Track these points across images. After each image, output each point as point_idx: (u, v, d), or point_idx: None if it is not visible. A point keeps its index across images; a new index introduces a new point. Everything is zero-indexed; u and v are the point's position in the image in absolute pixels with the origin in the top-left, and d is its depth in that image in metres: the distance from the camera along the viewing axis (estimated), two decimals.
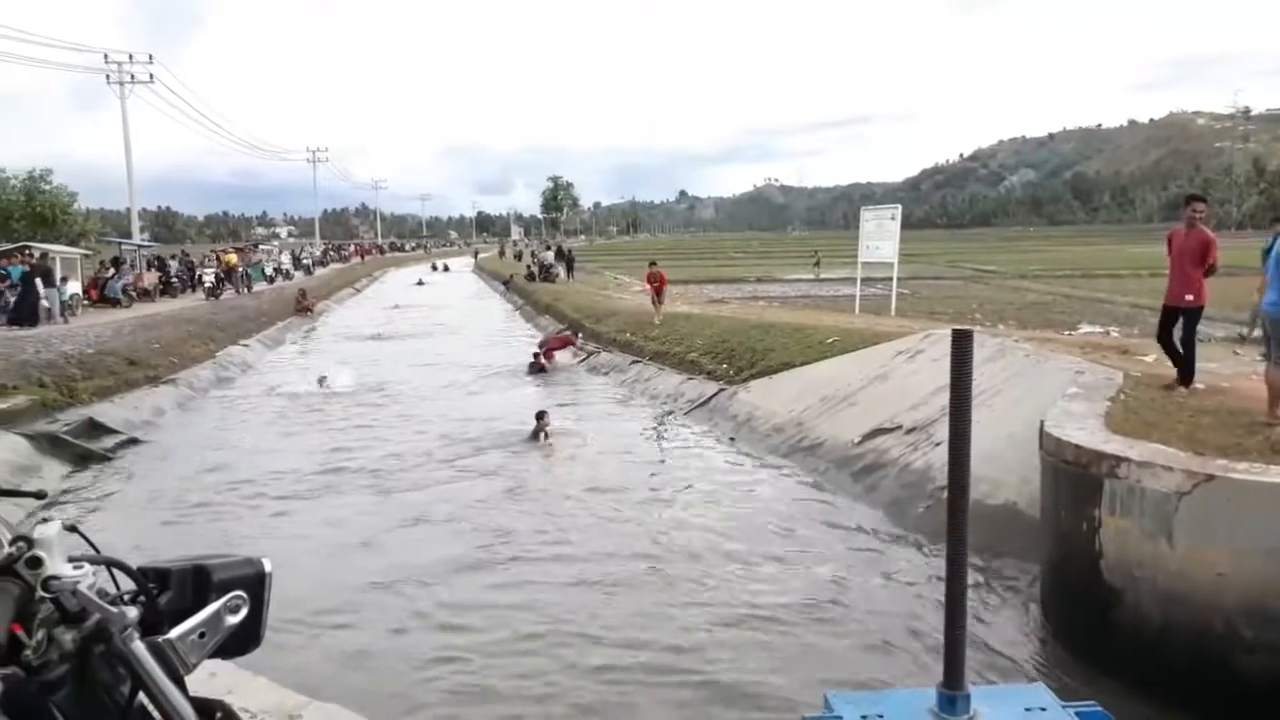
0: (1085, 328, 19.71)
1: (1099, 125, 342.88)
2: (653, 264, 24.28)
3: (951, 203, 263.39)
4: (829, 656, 6.22)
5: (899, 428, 10.36)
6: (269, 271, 45.08)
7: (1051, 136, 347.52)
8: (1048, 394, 8.28)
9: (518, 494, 10.39)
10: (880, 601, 7.14)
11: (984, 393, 9.38)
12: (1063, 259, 59.59)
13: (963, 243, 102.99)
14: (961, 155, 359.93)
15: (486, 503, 10.04)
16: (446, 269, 75.35)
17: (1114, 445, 6.04)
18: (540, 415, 13.19)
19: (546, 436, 12.80)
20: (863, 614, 6.89)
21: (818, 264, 55.51)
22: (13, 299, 21.60)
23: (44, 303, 21.79)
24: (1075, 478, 6.08)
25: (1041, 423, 6.80)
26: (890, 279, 22.38)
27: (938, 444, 9.27)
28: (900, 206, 22.27)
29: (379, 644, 6.56)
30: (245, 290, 35.33)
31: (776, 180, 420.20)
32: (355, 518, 9.67)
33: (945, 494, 1.86)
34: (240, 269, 37.01)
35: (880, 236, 21.48)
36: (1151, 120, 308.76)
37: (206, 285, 32.03)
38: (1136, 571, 5.60)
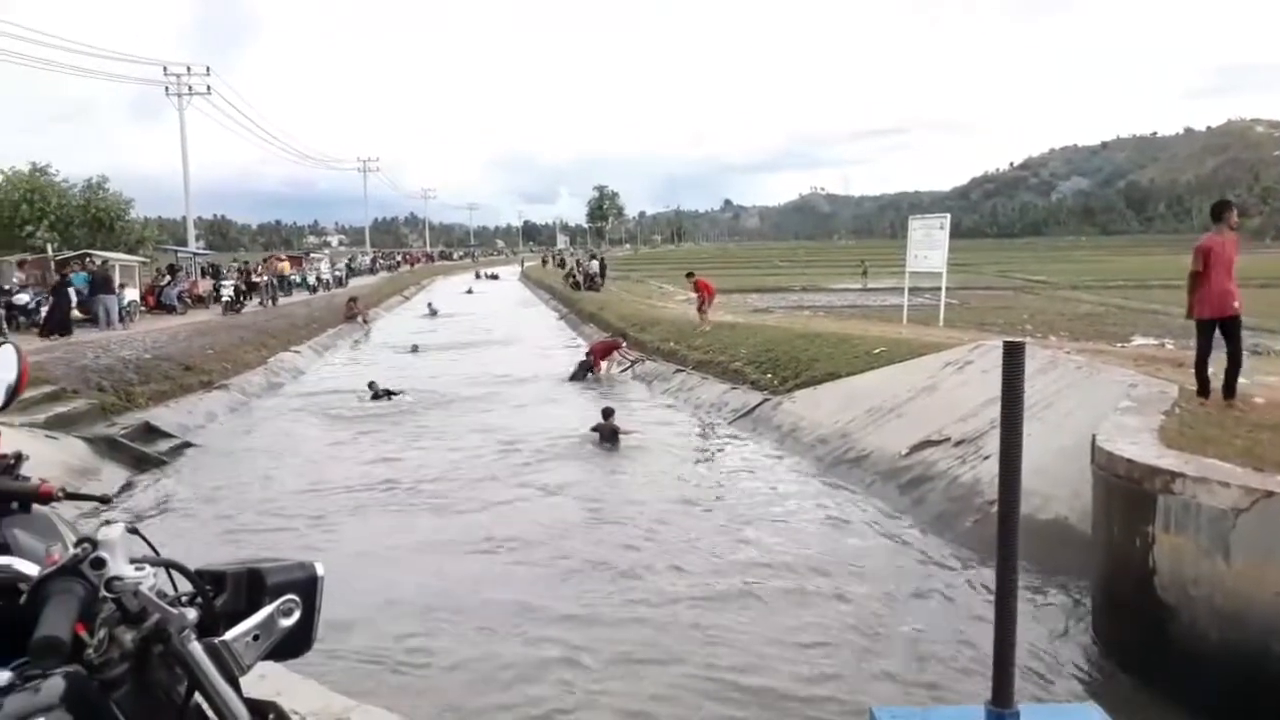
0: (1139, 340, 19.38)
1: (1154, 133, 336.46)
2: (690, 274, 24.48)
3: (1002, 212, 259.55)
4: (875, 670, 6.15)
5: (947, 440, 10.22)
6: (311, 281, 45.18)
7: (1105, 145, 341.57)
8: (1100, 407, 8.13)
9: (585, 507, 10.25)
10: (928, 615, 7.04)
11: (1034, 405, 9.24)
12: (1116, 269, 58.59)
13: (1013, 252, 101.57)
14: (1012, 164, 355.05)
15: (555, 516, 9.86)
16: (495, 277, 76.05)
17: (1169, 460, 5.91)
18: (608, 413, 13.41)
19: (615, 435, 12.98)
20: (910, 627, 6.80)
21: (865, 273, 55.23)
22: (44, 310, 21.13)
23: (75, 312, 21.61)
24: (1128, 493, 5.96)
25: (1093, 436, 6.68)
26: (939, 289, 22.13)
27: (986, 457, 9.14)
28: (949, 215, 22.02)
29: (443, 676, 6.28)
30: (270, 303, 32.66)
31: (822, 189, 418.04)
32: (414, 532, 9.50)
33: (994, 508, 1.84)
34: (266, 279, 35.04)
35: (928, 246, 21.25)
36: (1208, 128, 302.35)
37: (224, 300, 29.07)
38: (1192, 590, 5.47)
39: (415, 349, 26.56)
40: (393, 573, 8.20)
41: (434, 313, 39.67)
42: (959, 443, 10.00)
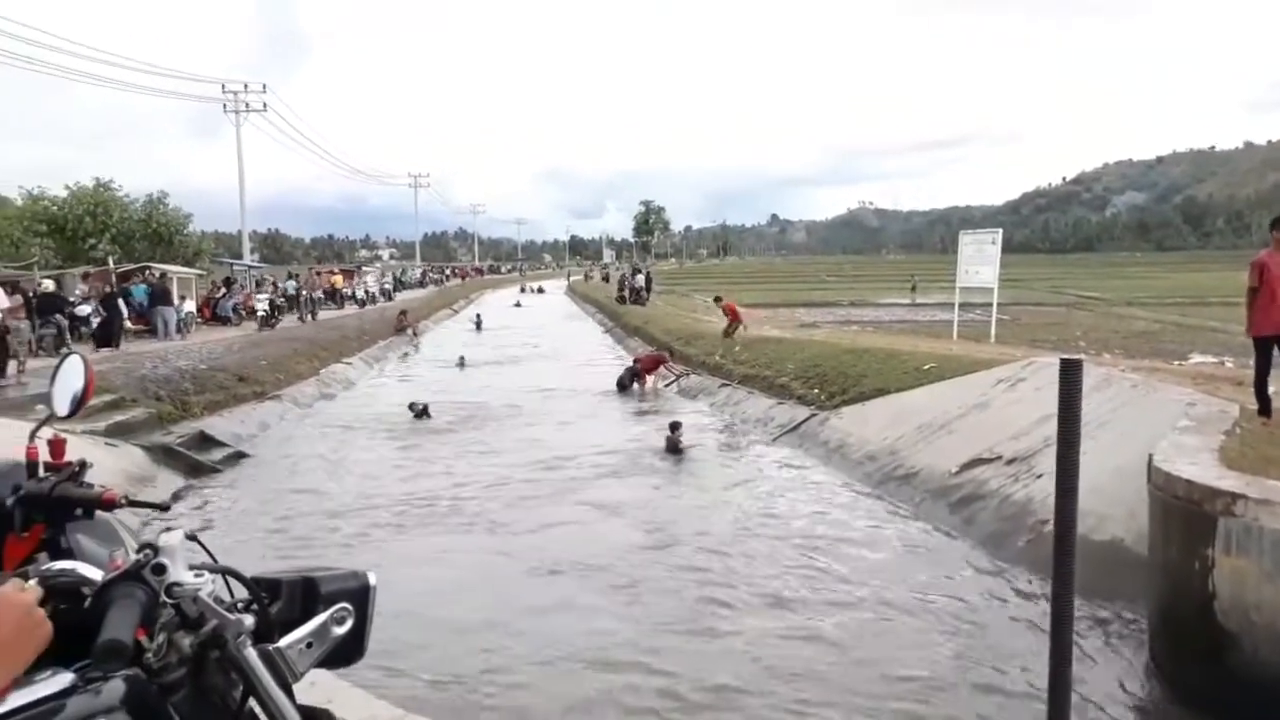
0: (1197, 357, 18.95)
1: (1212, 147, 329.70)
2: (718, 299, 24.56)
3: (1054, 227, 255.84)
4: (927, 694, 6.04)
5: (999, 458, 10.06)
6: (360, 295, 46.04)
7: (1160, 159, 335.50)
8: (1157, 426, 7.95)
9: (642, 525, 10.02)
10: (980, 638, 6.91)
11: (1088, 424, 9.01)
12: (1172, 286, 57.38)
13: (1066, 268, 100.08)
14: (1064, 178, 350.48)
15: (613, 534, 9.68)
16: (541, 291, 76.60)
17: (1229, 481, 5.75)
18: (675, 426, 13.72)
19: (679, 448, 13.28)
20: (962, 651, 6.67)
21: (914, 289, 54.95)
22: (96, 320, 21.30)
23: (126, 323, 21.89)
24: (1187, 515, 5.81)
25: (1150, 456, 6.53)
26: (989, 305, 21.86)
27: (1039, 476, 8.98)
28: (1001, 230, 21.77)
29: (496, 693, 6.09)
30: (310, 318, 32.21)
31: (871, 203, 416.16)
32: (467, 550, 9.28)
33: (1047, 527, 1.81)
34: (305, 294, 34.55)
35: (980, 261, 21.02)
36: (1269, 142, 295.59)
37: (260, 314, 28.06)
38: (1254, 615, 5.31)
39: (462, 363, 26.09)
40: (445, 589, 8.12)
41: (479, 327, 39.34)
42: (1011, 461, 9.83)
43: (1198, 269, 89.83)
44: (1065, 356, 1.80)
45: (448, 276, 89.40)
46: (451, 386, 21.09)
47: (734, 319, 22.27)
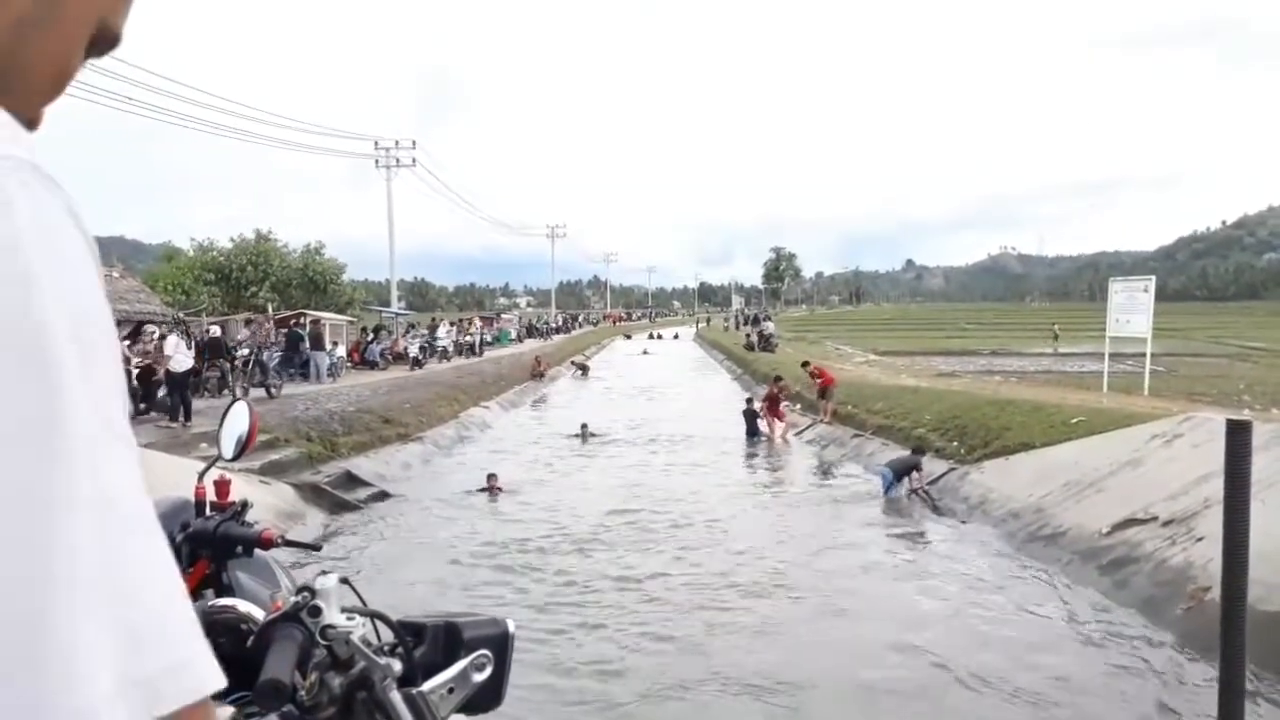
0: None
1: None
2: (806, 364, 23.83)
3: (1213, 273, 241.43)
4: None
5: (1154, 519, 9.46)
6: (413, 352, 31.24)
7: None
8: None
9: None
10: (1138, 713, 6.48)
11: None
12: None
13: (1227, 317, 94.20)
14: (1224, 222, 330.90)
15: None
16: (675, 336, 76.92)
17: None
18: (918, 450, 14.05)
19: (930, 499, 13.29)
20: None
21: (1055, 337, 53.34)
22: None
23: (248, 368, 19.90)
24: None
25: None
26: (1142, 355, 20.75)
27: (1199, 539, 8.40)
28: (1154, 278, 20.71)
29: None
30: (268, 391, 20.23)
31: (1013, 248, 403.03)
32: (620, 646, 8.00)
33: (1209, 595, 1.69)
34: (300, 352, 24.15)
35: (1131, 309, 20.04)
36: None
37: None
38: None
39: (584, 430, 20.69)
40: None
41: (585, 373, 40.05)
42: (1167, 522, 9.23)
43: None
44: (1232, 419, 1.70)
45: (580, 324, 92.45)
46: (578, 459, 18.34)
47: (825, 383, 21.02)
